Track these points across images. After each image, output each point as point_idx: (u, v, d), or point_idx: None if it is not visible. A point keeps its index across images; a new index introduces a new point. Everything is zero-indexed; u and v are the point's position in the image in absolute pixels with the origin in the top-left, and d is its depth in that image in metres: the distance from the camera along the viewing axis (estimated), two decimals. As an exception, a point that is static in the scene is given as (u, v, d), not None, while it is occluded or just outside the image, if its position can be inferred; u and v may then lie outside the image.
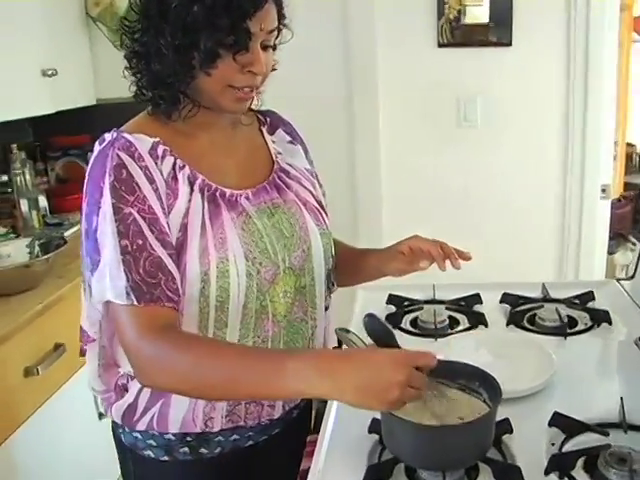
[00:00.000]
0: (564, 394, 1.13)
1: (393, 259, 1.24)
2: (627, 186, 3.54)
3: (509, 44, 2.52)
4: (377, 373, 0.86)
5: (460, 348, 1.23)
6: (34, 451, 1.71)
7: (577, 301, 1.52)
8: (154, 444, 1.15)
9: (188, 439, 1.14)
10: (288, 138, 1.29)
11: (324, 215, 1.23)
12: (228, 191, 1.10)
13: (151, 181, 1.02)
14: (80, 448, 1.87)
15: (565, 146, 2.59)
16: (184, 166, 1.07)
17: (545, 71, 2.54)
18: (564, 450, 0.98)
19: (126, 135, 1.05)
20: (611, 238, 2.78)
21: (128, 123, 1.12)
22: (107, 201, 1.00)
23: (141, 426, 1.14)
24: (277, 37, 1.10)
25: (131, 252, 0.99)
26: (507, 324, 1.44)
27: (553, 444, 1.00)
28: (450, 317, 1.49)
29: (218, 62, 1.01)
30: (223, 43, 0.99)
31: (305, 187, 1.22)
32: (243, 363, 0.94)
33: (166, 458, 1.15)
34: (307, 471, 1.02)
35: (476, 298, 1.56)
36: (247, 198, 1.12)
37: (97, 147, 1.06)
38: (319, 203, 1.24)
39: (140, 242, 0.99)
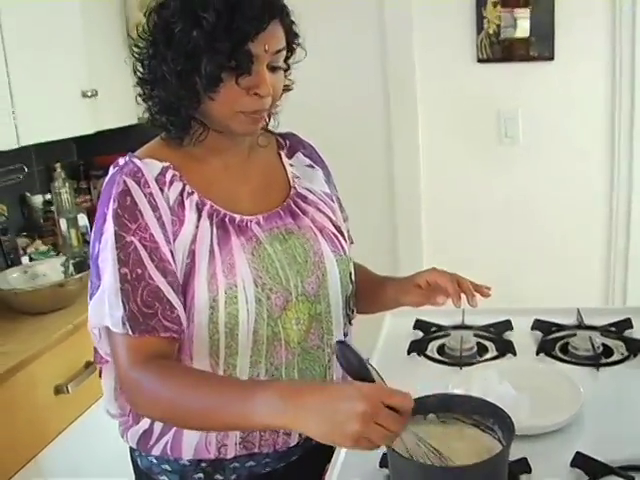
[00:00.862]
0: (590, 432, 1.07)
1: (410, 292, 1.22)
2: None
3: (551, 58, 2.46)
4: (339, 404, 0.82)
5: (483, 379, 1.18)
6: (63, 469, 1.73)
7: (613, 329, 1.45)
8: (169, 469, 1.15)
9: (203, 465, 1.13)
10: (307, 161, 1.27)
11: (342, 241, 1.21)
12: (238, 217, 1.09)
13: (154, 209, 1.02)
14: (107, 468, 1.87)
15: (611, 163, 2.51)
16: (193, 192, 1.07)
17: (589, 86, 2.47)
18: (586, 493, 0.93)
19: (135, 160, 1.05)
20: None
21: (143, 147, 1.13)
22: (109, 228, 1.01)
23: (156, 451, 1.14)
24: (289, 57, 1.09)
25: (130, 281, 0.99)
26: (537, 353, 1.38)
27: (575, 486, 0.95)
28: (478, 344, 1.44)
29: (221, 86, 1.00)
30: (225, 67, 0.98)
31: (323, 212, 1.20)
32: (219, 393, 0.94)
33: (181, 484, 1.14)
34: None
35: (506, 324, 1.50)
36: (258, 223, 1.11)
37: (110, 171, 1.08)
38: (337, 229, 1.21)
39: (139, 271, 1.00)
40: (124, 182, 1.02)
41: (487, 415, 0.94)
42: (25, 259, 2.26)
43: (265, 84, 1.03)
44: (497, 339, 1.46)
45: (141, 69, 1.07)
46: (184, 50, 0.99)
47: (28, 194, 2.54)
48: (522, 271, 2.60)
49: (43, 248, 2.41)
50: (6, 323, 1.83)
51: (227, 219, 1.08)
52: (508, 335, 1.48)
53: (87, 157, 2.90)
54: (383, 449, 0.96)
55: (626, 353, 1.35)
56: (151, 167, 1.06)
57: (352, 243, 1.32)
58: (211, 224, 1.06)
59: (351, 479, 1.03)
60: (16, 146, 2.03)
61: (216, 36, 0.97)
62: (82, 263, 2.06)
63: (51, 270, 2.05)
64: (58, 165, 2.61)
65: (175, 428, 1.10)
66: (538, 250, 2.59)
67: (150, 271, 1.00)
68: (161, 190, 1.04)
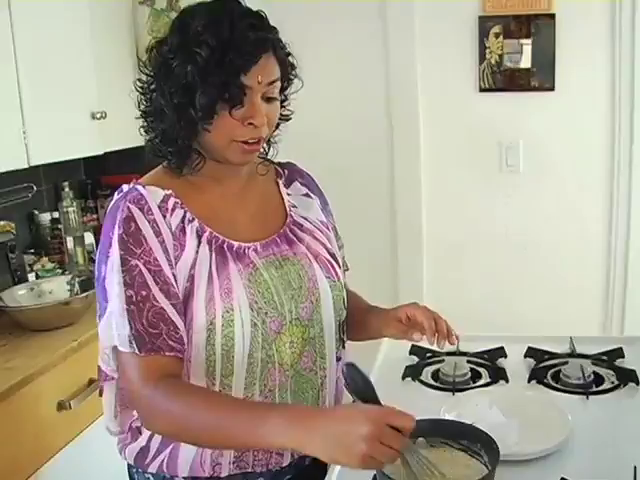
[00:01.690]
0: (576, 459, 1.10)
1: (390, 324, 1.25)
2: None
3: (552, 89, 2.51)
4: (346, 427, 0.87)
5: (474, 405, 1.21)
6: (65, 484, 1.76)
7: (605, 357, 1.48)
8: (166, 487, 1.17)
9: (199, 484, 1.16)
10: (304, 191, 1.31)
11: (336, 267, 1.24)
12: (236, 244, 1.13)
13: (157, 234, 1.07)
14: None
15: (610, 191, 2.56)
16: (193, 219, 1.11)
17: (589, 116, 2.52)
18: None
19: (139, 188, 1.10)
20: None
21: (147, 175, 1.18)
22: (115, 252, 1.05)
23: (152, 469, 1.16)
24: (286, 88, 1.15)
25: (135, 302, 1.03)
26: (529, 380, 1.41)
27: (558, 512, 0.97)
28: (472, 370, 1.47)
29: (216, 118, 1.06)
30: (218, 99, 1.04)
31: (318, 240, 1.24)
32: (232, 413, 0.98)
33: (177, 500, 1.17)
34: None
35: (500, 351, 1.54)
36: (255, 250, 1.15)
37: (115, 197, 1.12)
38: (332, 256, 1.25)
39: (144, 293, 1.04)
40: (128, 209, 1.07)
41: (474, 440, 0.98)
42: (32, 276, 2.30)
43: (259, 114, 1.08)
44: (490, 366, 1.49)
45: (144, 102, 1.13)
46: (180, 84, 1.05)
47: (36, 212, 2.58)
48: (520, 298, 2.64)
49: (49, 265, 2.45)
50: (12, 339, 1.86)
51: (225, 246, 1.12)
52: (501, 362, 1.51)
53: (94, 176, 2.94)
54: (372, 471, 1.00)
55: (616, 382, 1.38)
56: (154, 194, 1.10)
57: (347, 270, 1.36)
58: (210, 250, 1.11)
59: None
60: (26, 166, 2.08)
61: (209, 70, 1.02)
62: (88, 281, 2.09)
63: (57, 288, 2.09)
64: (66, 184, 2.66)
65: (172, 445, 1.13)
66: (536, 278, 2.63)
67: (155, 293, 1.05)
68: (163, 216, 1.09)
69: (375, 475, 1.02)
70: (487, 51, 2.52)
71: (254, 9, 1.11)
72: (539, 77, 2.51)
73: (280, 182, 1.29)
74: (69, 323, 1.95)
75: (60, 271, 2.41)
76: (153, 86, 1.11)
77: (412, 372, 1.47)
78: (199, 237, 1.11)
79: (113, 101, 2.57)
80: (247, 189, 1.22)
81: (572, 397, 1.33)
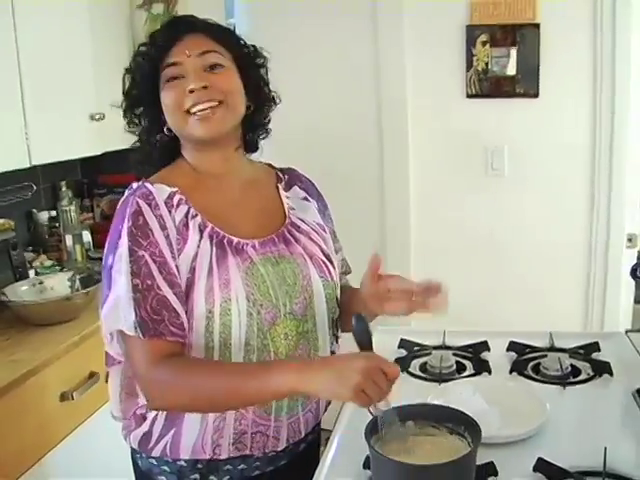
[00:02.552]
0: (552, 442, 1.19)
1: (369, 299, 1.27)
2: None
3: (536, 95, 2.59)
4: (345, 363, 1.03)
5: (458, 394, 1.29)
6: (67, 471, 1.83)
7: (581, 351, 1.57)
8: (168, 470, 1.25)
9: (199, 466, 1.23)
10: (303, 194, 1.40)
11: (330, 268, 1.32)
12: (235, 239, 1.22)
13: (163, 228, 1.16)
14: (108, 470, 1.97)
15: (591, 195, 2.63)
16: (196, 215, 1.20)
17: (571, 122, 2.61)
18: (545, 495, 1.05)
19: (148, 185, 1.19)
20: (637, 288, 2.79)
21: (154, 175, 1.27)
22: (124, 243, 1.14)
23: (156, 452, 1.24)
24: (249, 67, 1.28)
25: (141, 290, 1.12)
26: (510, 372, 1.50)
27: (536, 489, 1.06)
28: (457, 363, 1.55)
29: (162, 96, 1.21)
30: (155, 80, 1.21)
31: (314, 241, 1.33)
32: (239, 374, 1.12)
33: (178, 483, 1.24)
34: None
35: (484, 345, 1.63)
36: (253, 247, 1.23)
37: (126, 193, 1.22)
38: (327, 257, 1.33)
39: (149, 282, 1.12)
40: (137, 203, 1.16)
41: (458, 422, 1.06)
42: (31, 273, 2.37)
43: (194, 80, 1.20)
44: (474, 358, 1.58)
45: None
46: (130, 95, 1.26)
47: (34, 210, 2.65)
48: (503, 297, 2.71)
49: (48, 263, 2.51)
50: (16, 333, 1.93)
51: (225, 241, 1.21)
52: (485, 355, 1.60)
53: (90, 176, 3.01)
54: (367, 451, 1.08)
55: (592, 373, 1.47)
56: (161, 191, 1.19)
57: (350, 272, 1.45)
58: (211, 244, 1.19)
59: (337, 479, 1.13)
60: (28, 165, 2.15)
61: (139, 68, 1.23)
62: (88, 278, 2.17)
63: (58, 284, 2.16)
64: (63, 183, 2.73)
65: (174, 430, 1.21)
66: (519, 278, 2.71)
67: (159, 282, 1.13)
68: (169, 212, 1.18)
69: (367, 456, 1.11)
70: (474, 59, 2.61)
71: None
72: (524, 84, 2.59)
73: (280, 186, 1.38)
74: (70, 318, 2.01)
75: (58, 268, 2.48)
76: (135, 121, 1.30)
77: (401, 364, 1.54)
78: (201, 232, 1.19)
79: (110, 102, 2.64)
80: (249, 191, 1.31)
81: (550, 387, 1.42)
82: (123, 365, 1.25)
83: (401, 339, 1.67)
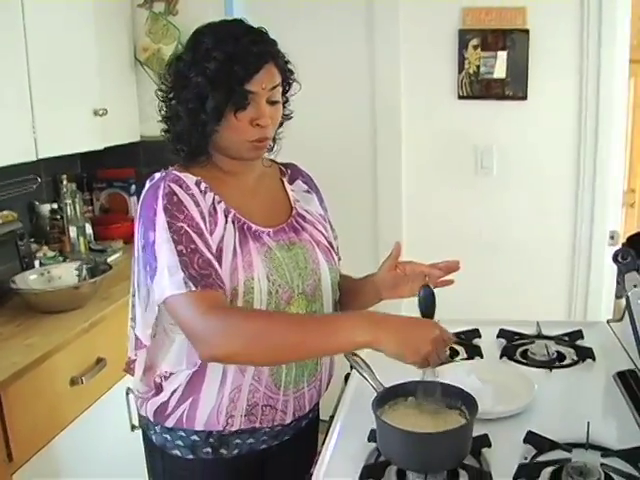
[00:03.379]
0: (540, 417, 1.30)
1: (385, 283, 1.43)
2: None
3: (524, 98, 2.71)
4: (416, 328, 1.13)
5: (454, 374, 1.38)
6: (75, 451, 1.91)
7: (566, 338, 1.68)
8: (181, 444, 1.34)
9: (211, 440, 1.33)
10: (305, 187, 1.51)
11: (333, 254, 1.45)
12: (254, 226, 1.32)
13: (197, 205, 1.24)
14: (113, 450, 2.06)
15: (575, 194, 2.75)
16: (221, 201, 1.29)
17: (557, 124, 2.72)
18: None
19: (175, 172, 1.28)
20: (619, 282, 2.91)
21: (173, 167, 1.35)
22: (161, 218, 1.21)
23: (170, 423, 1.32)
24: (287, 91, 1.34)
25: (186, 254, 1.18)
26: (501, 356, 1.60)
27: (526, 458, 1.16)
28: (451, 348, 1.64)
29: (224, 120, 1.25)
30: (225, 105, 1.23)
31: (318, 230, 1.44)
32: (314, 322, 1.20)
33: (191, 456, 1.34)
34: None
35: (475, 333, 1.73)
36: (268, 235, 1.34)
37: (148, 183, 1.29)
38: (329, 244, 1.45)
39: (193, 246, 1.20)
40: (169, 186, 1.24)
41: (456, 397, 1.16)
42: (36, 263, 2.44)
43: (264, 116, 1.27)
44: (467, 344, 1.68)
45: (164, 109, 1.33)
46: (194, 93, 1.25)
47: (37, 203, 2.71)
48: (493, 292, 2.82)
49: (50, 253, 2.58)
50: (26, 320, 2.00)
51: (245, 227, 1.31)
52: (477, 342, 1.70)
53: (90, 170, 3.08)
54: (372, 425, 1.18)
55: (576, 359, 1.58)
56: (188, 178, 1.28)
57: (340, 259, 1.55)
58: (234, 228, 1.29)
59: (343, 452, 1.23)
60: (35, 158, 2.23)
61: (217, 81, 1.22)
62: (94, 269, 2.24)
63: (66, 273, 2.23)
64: (64, 177, 2.79)
65: (191, 399, 1.29)
66: (507, 273, 2.82)
67: (201, 247, 1.20)
68: (200, 193, 1.26)
69: (372, 430, 1.20)
70: (466, 62, 2.71)
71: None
72: (513, 87, 2.70)
73: (284, 180, 1.48)
74: (78, 306, 2.09)
75: (61, 259, 2.55)
76: (171, 95, 1.31)
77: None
78: (226, 216, 1.29)
79: (113, 99, 2.72)
80: (258, 185, 1.41)
81: (538, 371, 1.52)
82: (149, 347, 1.32)
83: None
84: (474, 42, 2.68)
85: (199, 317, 1.15)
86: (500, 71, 2.70)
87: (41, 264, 2.43)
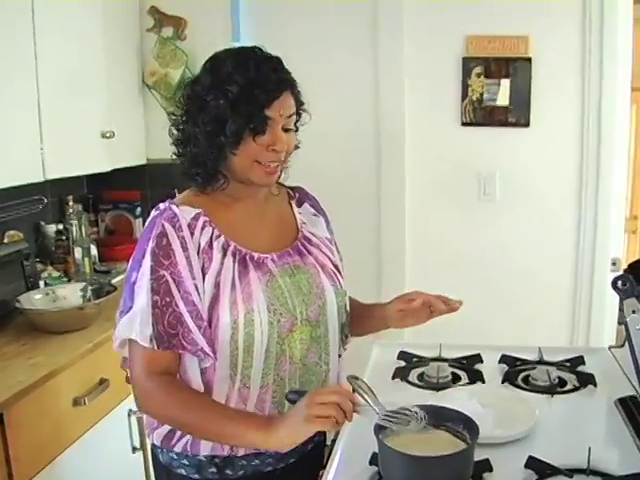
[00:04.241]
0: (542, 443, 1.30)
1: (393, 314, 1.47)
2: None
3: (527, 125, 2.74)
4: (294, 411, 1.14)
5: (456, 399, 1.40)
6: (77, 472, 1.91)
7: (568, 364, 1.69)
8: (187, 464, 1.35)
9: (216, 461, 1.33)
10: (312, 211, 1.52)
11: (339, 277, 1.45)
12: (256, 255, 1.33)
13: (184, 249, 1.26)
14: (115, 473, 2.06)
15: (577, 220, 2.77)
16: (220, 235, 1.31)
17: (559, 151, 2.75)
18: (535, 489, 1.15)
19: (173, 207, 1.29)
20: (621, 309, 2.91)
21: (181, 194, 1.37)
22: (147, 262, 1.25)
23: (177, 448, 1.34)
24: (298, 120, 1.36)
25: (159, 306, 1.23)
26: (502, 382, 1.61)
27: (526, 483, 1.17)
28: (453, 373, 1.66)
29: (242, 144, 1.26)
30: (245, 128, 1.25)
31: (324, 253, 1.45)
32: (214, 420, 1.22)
33: (196, 476, 1.35)
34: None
35: (477, 358, 1.74)
36: (272, 260, 1.35)
37: (152, 214, 1.32)
38: (335, 267, 1.46)
39: (168, 299, 1.24)
40: (162, 225, 1.26)
41: (457, 422, 1.17)
42: (41, 284, 2.45)
43: (281, 142, 1.29)
44: (469, 369, 1.69)
45: (175, 132, 1.34)
46: (213, 115, 1.26)
47: (43, 223, 2.73)
48: (495, 316, 2.82)
49: (55, 274, 2.60)
50: (32, 339, 2.02)
51: (247, 257, 1.32)
52: (479, 367, 1.71)
53: (96, 191, 3.11)
54: (374, 448, 1.18)
55: (577, 384, 1.59)
56: (186, 213, 1.29)
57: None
58: (234, 261, 1.30)
59: (345, 475, 1.24)
60: (42, 179, 2.25)
61: (239, 104, 1.24)
62: (99, 290, 2.26)
63: (70, 294, 2.25)
64: (70, 198, 2.82)
65: None
66: (509, 298, 2.83)
67: (176, 300, 1.24)
68: (192, 234, 1.28)
69: (374, 454, 1.21)
70: (469, 89, 2.75)
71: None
72: (516, 114, 2.73)
73: (292, 203, 1.50)
74: (82, 327, 2.10)
75: (66, 279, 2.57)
76: (185, 118, 1.32)
77: (400, 374, 1.66)
78: (224, 250, 1.30)
79: (121, 122, 2.76)
80: (266, 208, 1.42)
81: (539, 396, 1.53)
82: None
83: (400, 351, 1.78)
84: (477, 70, 2.72)
85: (144, 375, 1.25)
86: (503, 98, 2.74)
87: (46, 284, 2.45)
